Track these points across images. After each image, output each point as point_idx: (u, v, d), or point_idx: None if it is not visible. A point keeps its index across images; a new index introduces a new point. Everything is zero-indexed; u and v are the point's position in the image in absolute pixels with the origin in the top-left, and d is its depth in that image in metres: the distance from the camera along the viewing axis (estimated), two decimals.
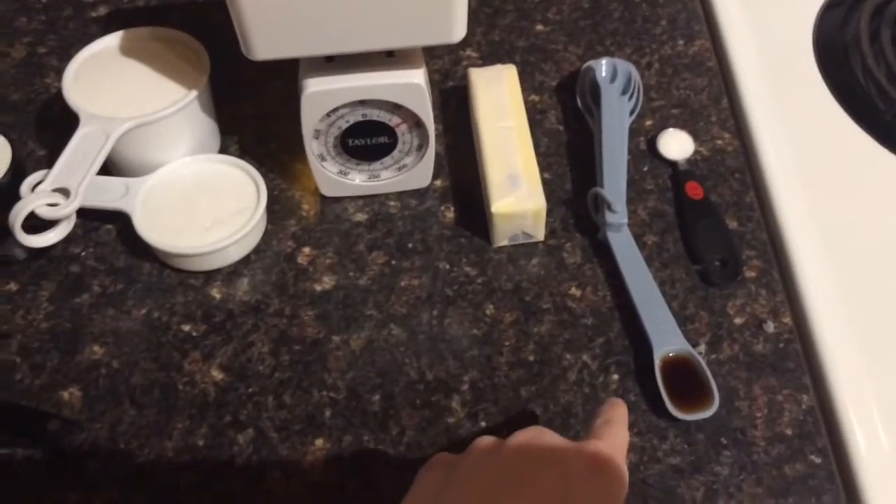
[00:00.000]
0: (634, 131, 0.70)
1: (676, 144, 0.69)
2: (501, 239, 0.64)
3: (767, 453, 0.55)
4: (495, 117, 0.66)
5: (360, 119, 0.61)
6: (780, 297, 0.61)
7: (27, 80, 0.75)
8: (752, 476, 0.54)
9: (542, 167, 0.67)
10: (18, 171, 0.63)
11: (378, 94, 0.59)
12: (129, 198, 0.62)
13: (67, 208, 0.57)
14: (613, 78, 0.70)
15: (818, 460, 0.54)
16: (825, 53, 0.78)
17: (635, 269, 0.62)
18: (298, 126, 0.60)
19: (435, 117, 0.67)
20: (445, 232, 0.65)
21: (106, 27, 0.79)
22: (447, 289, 0.62)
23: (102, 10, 0.80)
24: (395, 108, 0.60)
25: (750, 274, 0.62)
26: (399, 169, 0.65)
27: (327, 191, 0.66)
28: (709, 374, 0.56)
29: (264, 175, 0.66)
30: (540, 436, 0.45)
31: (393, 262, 0.64)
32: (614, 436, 0.46)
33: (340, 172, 0.65)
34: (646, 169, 0.69)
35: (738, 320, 0.60)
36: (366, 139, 0.62)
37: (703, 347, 0.59)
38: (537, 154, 0.65)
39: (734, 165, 0.69)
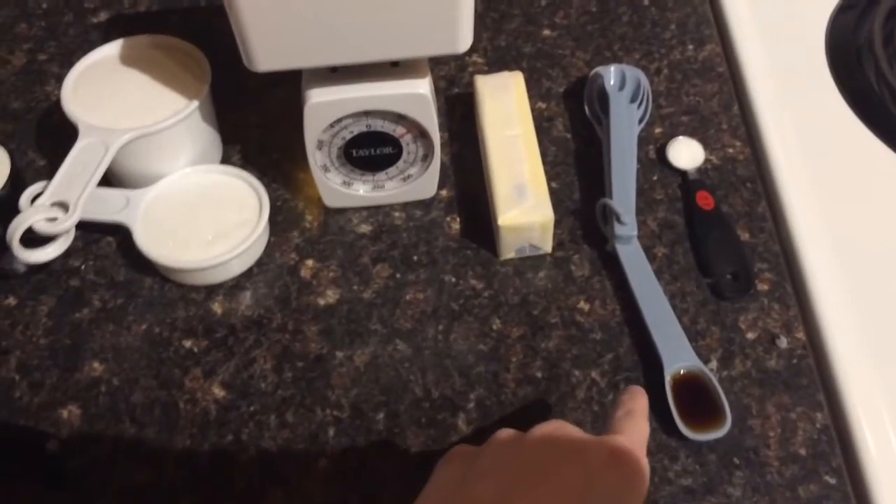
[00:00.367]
0: (643, 139, 0.69)
1: (686, 153, 0.68)
2: (508, 251, 0.63)
3: (781, 474, 0.53)
4: (502, 126, 0.65)
5: (364, 129, 0.60)
6: (793, 312, 0.60)
7: (27, 88, 0.74)
8: (765, 498, 0.53)
9: (550, 176, 0.66)
10: (17, 182, 0.62)
11: (382, 104, 0.58)
12: (130, 210, 0.61)
13: (66, 223, 0.56)
14: (622, 85, 0.69)
15: (833, 481, 0.53)
16: (838, 57, 0.77)
17: (645, 283, 0.60)
18: (302, 135, 0.59)
19: (440, 125, 0.66)
20: (451, 244, 0.64)
21: (107, 33, 0.78)
22: (453, 303, 0.61)
23: (103, 16, 0.79)
24: (400, 118, 0.59)
25: (762, 287, 0.61)
26: (404, 179, 0.64)
27: (331, 202, 0.65)
28: (721, 392, 0.55)
29: (267, 185, 0.65)
30: (561, 428, 0.44)
31: (398, 275, 0.63)
32: (635, 429, 0.46)
33: (344, 183, 0.64)
34: (655, 178, 0.67)
35: (750, 335, 0.59)
36: (370, 150, 0.61)
37: (714, 364, 0.58)
38: (545, 163, 0.64)
39: (745, 174, 0.67)
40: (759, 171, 0.68)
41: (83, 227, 0.61)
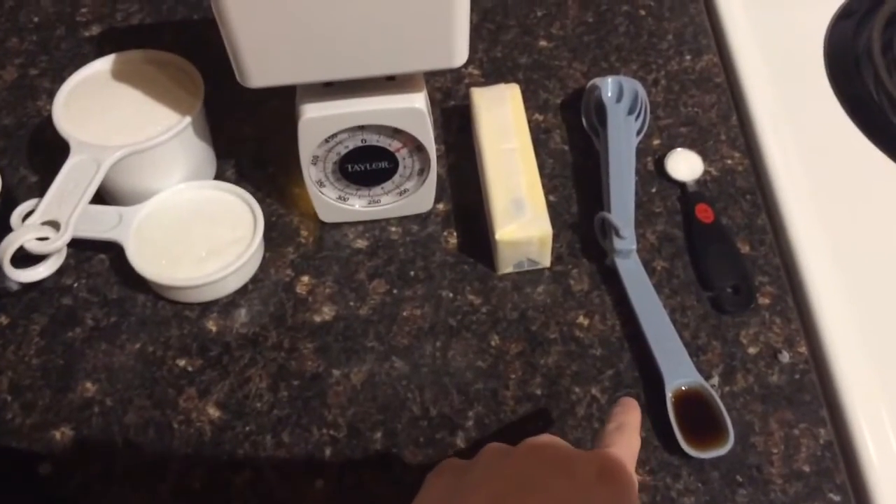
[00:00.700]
0: (641, 151, 0.68)
1: (685, 165, 0.67)
2: (506, 266, 0.62)
3: (784, 492, 0.53)
4: (498, 139, 0.64)
5: (360, 144, 0.59)
6: (794, 325, 0.59)
7: (18, 104, 0.73)
8: None
9: (548, 189, 0.66)
10: (8, 199, 0.62)
11: (378, 119, 0.57)
12: (123, 227, 0.60)
13: (57, 242, 0.55)
14: (619, 97, 0.68)
15: (837, 498, 0.52)
16: (836, 66, 0.76)
17: (644, 297, 0.60)
18: (297, 148, 0.58)
19: (436, 137, 0.66)
20: (448, 259, 0.63)
21: (99, 47, 0.77)
22: (450, 319, 0.60)
23: (95, 30, 0.79)
24: (396, 132, 0.58)
25: (763, 301, 0.60)
26: (400, 194, 0.63)
27: (326, 217, 0.65)
28: (723, 408, 0.54)
29: (261, 200, 0.64)
30: (551, 443, 0.44)
31: (394, 291, 0.62)
32: (625, 443, 0.45)
33: (340, 198, 0.63)
34: (654, 190, 0.67)
35: (751, 350, 0.58)
36: (365, 164, 0.60)
37: (716, 380, 0.57)
38: (542, 176, 0.63)
39: (745, 186, 0.67)
40: (758, 182, 0.67)
41: (76, 244, 0.60)
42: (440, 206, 0.66)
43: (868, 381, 0.56)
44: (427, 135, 0.58)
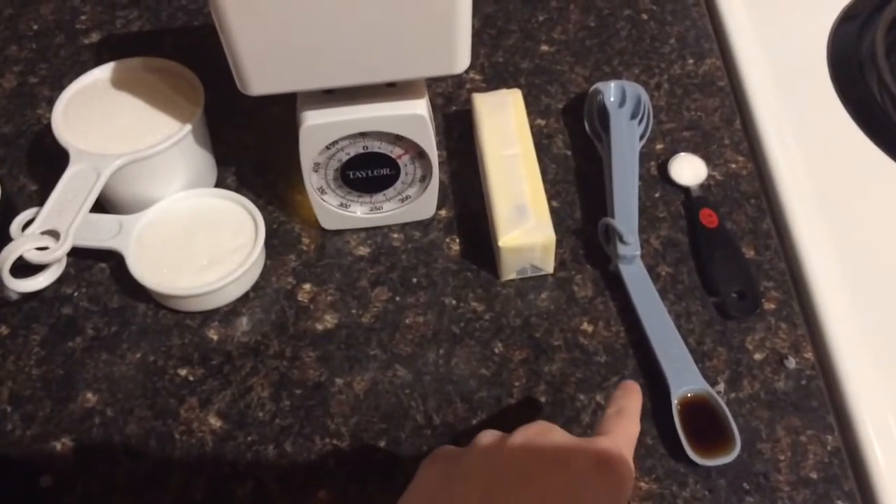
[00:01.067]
0: (645, 156, 0.68)
1: (689, 169, 0.67)
2: (509, 272, 0.61)
3: (792, 499, 0.52)
4: (501, 145, 0.64)
5: (361, 151, 0.58)
6: (801, 331, 0.59)
7: (18, 112, 0.73)
8: None
9: (550, 195, 0.65)
10: (8, 208, 0.61)
11: (379, 125, 0.56)
12: (123, 236, 0.60)
13: (57, 252, 0.55)
14: (622, 102, 0.68)
15: None
16: (840, 69, 0.76)
17: (649, 303, 0.59)
18: (298, 154, 0.58)
19: (438, 143, 0.65)
20: (451, 265, 0.63)
21: (98, 54, 0.77)
22: (454, 326, 0.60)
23: (95, 37, 0.78)
24: (397, 139, 0.58)
25: (769, 306, 0.60)
26: (402, 200, 0.63)
27: (328, 224, 0.64)
28: (729, 415, 0.53)
29: (263, 207, 0.64)
30: (546, 432, 0.43)
31: (397, 299, 0.61)
32: (623, 429, 0.45)
33: (341, 205, 0.63)
34: (657, 195, 0.66)
35: (757, 356, 0.58)
36: (367, 171, 0.60)
37: (721, 386, 0.56)
38: (545, 181, 0.63)
39: (749, 190, 0.66)
40: (762, 186, 0.67)
41: (76, 253, 0.60)
42: (442, 213, 0.65)
43: (875, 387, 0.56)
44: (429, 141, 0.58)
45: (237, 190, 0.65)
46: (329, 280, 0.62)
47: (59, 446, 0.55)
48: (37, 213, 0.57)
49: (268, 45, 0.50)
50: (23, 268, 0.56)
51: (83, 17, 0.80)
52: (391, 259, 0.63)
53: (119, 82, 0.63)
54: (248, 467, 0.54)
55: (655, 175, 0.67)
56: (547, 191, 0.61)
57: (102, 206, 0.63)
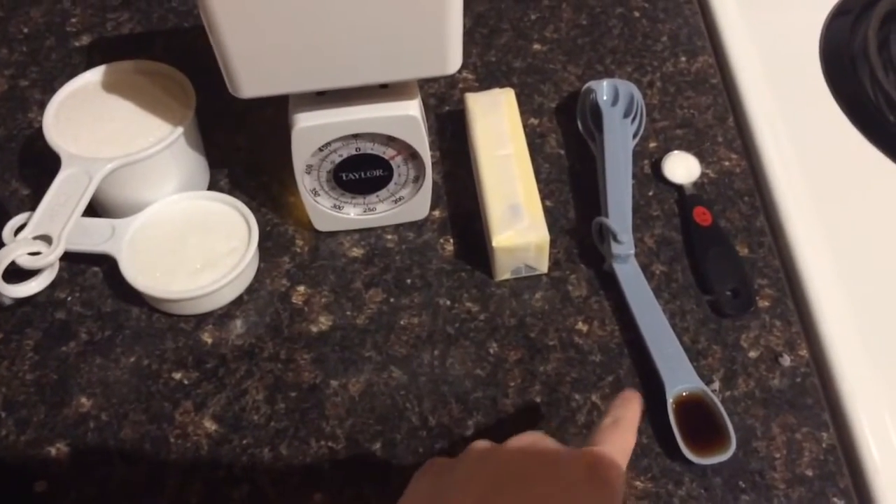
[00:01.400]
0: (638, 154, 0.68)
1: (682, 167, 0.67)
2: (503, 273, 0.61)
3: (788, 497, 0.52)
4: (494, 145, 0.64)
5: (354, 153, 0.58)
6: (795, 328, 0.59)
7: (9, 115, 0.73)
8: None
9: (544, 194, 0.65)
10: (0, 213, 0.61)
11: (371, 127, 0.56)
12: (116, 240, 0.60)
13: (49, 257, 0.55)
14: (615, 101, 0.68)
15: (841, 502, 0.52)
16: (832, 65, 0.76)
17: (643, 302, 0.59)
18: (290, 156, 0.58)
19: (431, 144, 0.65)
20: (445, 266, 0.63)
21: (89, 57, 0.77)
22: (448, 326, 0.60)
23: (86, 40, 0.78)
24: (390, 140, 0.58)
25: (763, 304, 0.60)
26: (395, 201, 0.63)
27: (321, 225, 0.64)
28: (724, 414, 0.53)
29: (256, 209, 0.64)
30: (538, 441, 0.43)
31: (391, 300, 0.61)
32: (618, 440, 0.44)
33: (335, 207, 0.62)
34: (651, 194, 0.66)
35: (752, 354, 0.58)
36: (360, 172, 0.60)
37: (717, 384, 0.56)
38: (538, 181, 0.62)
39: (742, 188, 0.66)
40: (756, 184, 0.67)
41: (69, 257, 0.60)
42: (436, 213, 0.65)
43: (870, 384, 0.56)
44: (422, 142, 0.58)
45: (230, 192, 0.64)
46: (323, 282, 0.62)
47: (53, 451, 0.55)
48: (29, 218, 0.57)
49: (258, 48, 0.50)
50: (15, 273, 0.56)
51: (73, 20, 0.79)
52: (385, 260, 0.63)
53: (110, 85, 0.63)
54: (243, 471, 0.54)
55: (649, 173, 0.67)
56: (540, 190, 0.61)
57: (95, 209, 0.63)
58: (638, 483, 0.53)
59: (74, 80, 0.63)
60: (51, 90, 0.63)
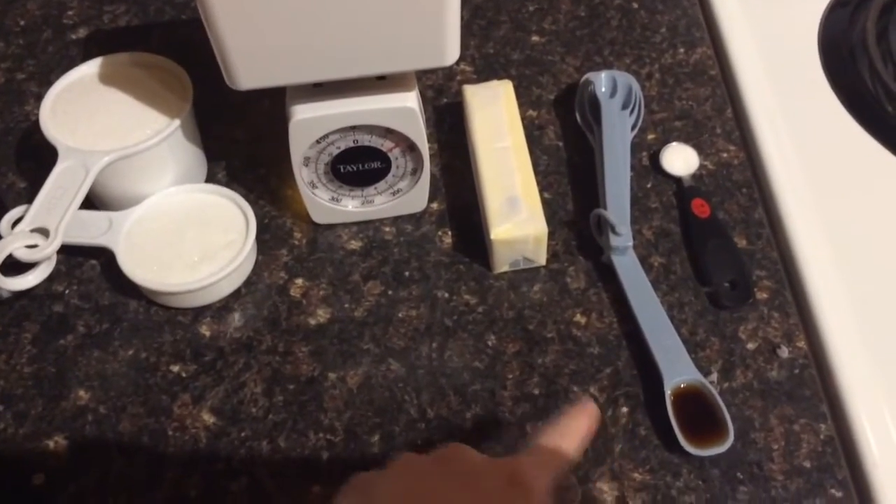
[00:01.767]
0: (636, 146, 0.68)
1: (680, 159, 0.66)
2: (502, 265, 0.61)
3: (786, 488, 0.52)
4: (492, 137, 0.63)
5: (352, 145, 0.58)
6: (793, 320, 0.59)
7: (6, 108, 0.73)
8: None
9: (542, 186, 0.65)
10: None
11: (369, 119, 0.56)
12: (113, 233, 0.60)
13: (47, 249, 0.55)
14: (613, 92, 0.68)
15: (839, 494, 0.52)
16: (831, 56, 0.76)
17: (642, 294, 0.59)
18: (288, 149, 0.57)
19: (429, 136, 0.65)
20: (443, 258, 0.63)
21: (86, 49, 0.76)
22: (447, 319, 0.60)
23: (83, 32, 0.78)
24: (388, 132, 0.58)
25: (761, 295, 0.60)
26: (393, 194, 0.63)
27: (319, 218, 0.64)
28: (722, 405, 0.53)
29: (254, 202, 0.64)
30: (459, 453, 0.43)
31: (389, 292, 0.61)
32: (551, 450, 0.44)
33: (332, 199, 0.62)
34: (649, 186, 0.66)
35: (750, 345, 0.58)
36: (358, 165, 0.60)
37: (715, 376, 0.56)
38: (536, 173, 0.62)
39: (741, 180, 0.66)
40: (754, 175, 0.67)
41: (66, 250, 0.59)
42: (434, 206, 0.65)
43: (868, 375, 0.56)
44: (419, 134, 0.58)
45: (227, 185, 0.64)
46: (321, 274, 0.62)
47: (51, 444, 0.55)
48: (26, 211, 0.57)
49: (255, 40, 0.49)
50: (13, 266, 0.56)
51: (70, 12, 0.79)
52: (383, 253, 0.63)
53: (107, 78, 0.63)
54: (241, 463, 0.54)
55: (647, 165, 0.67)
56: (538, 182, 0.61)
57: (92, 202, 0.63)
58: (636, 475, 0.53)
59: (71, 73, 0.63)
60: (47, 83, 0.63)
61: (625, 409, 0.55)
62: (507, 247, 0.59)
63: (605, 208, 0.62)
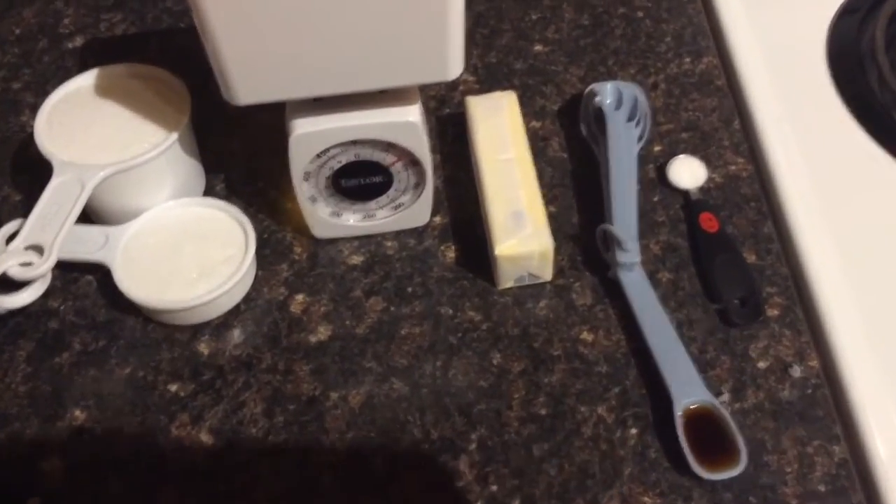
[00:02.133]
0: (643, 158, 0.67)
1: (688, 172, 0.65)
2: (507, 281, 0.60)
3: None
4: (496, 149, 0.62)
5: (353, 159, 0.57)
6: (805, 338, 0.57)
7: (1, 119, 0.71)
8: None
9: (547, 200, 0.64)
10: None
11: (371, 133, 0.55)
12: (109, 248, 0.59)
13: (41, 268, 0.54)
14: (619, 104, 0.66)
15: None
16: (839, 65, 0.74)
17: (650, 311, 0.58)
18: (288, 161, 0.56)
19: (432, 147, 0.64)
20: (446, 274, 0.61)
21: (83, 59, 0.75)
22: (450, 336, 0.59)
23: (79, 41, 0.77)
24: (390, 146, 0.56)
25: (772, 312, 0.59)
26: (395, 208, 0.61)
27: (320, 233, 0.63)
28: (734, 427, 0.52)
29: (253, 216, 0.63)
30: None
31: (392, 309, 0.60)
32: None
33: (333, 213, 0.61)
34: (656, 199, 0.65)
35: (761, 364, 0.56)
36: (359, 179, 0.58)
37: (726, 396, 0.55)
38: (541, 185, 0.61)
39: (749, 193, 0.65)
40: (763, 188, 0.66)
41: (62, 265, 0.58)
42: (437, 220, 0.64)
43: (882, 395, 0.55)
44: (422, 148, 0.56)
45: (226, 199, 0.63)
46: (322, 290, 0.61)
47: (47, 466, 0.54)
48: (21, 225, 0.56)
49: (254, 54, 0.48)
50: (7, 283, 0.55)
51: (66, 21, 0.78)
52: (385, 268, 0.62)
53: (103, 90, 0.62)
54: (241, 486, 0.53)
55: (654, 178, 0.66)
56: (543, 195, 0.60)
57: (88, 216, 0.62)
58: (646, 499, 0.51)
59: (66, 85, 0.62)
60: (43, 93, 0.62)
61: (634, 431, 0.54)
62: (512, 263, 0.58)
63: (611, 223, 0.60)
